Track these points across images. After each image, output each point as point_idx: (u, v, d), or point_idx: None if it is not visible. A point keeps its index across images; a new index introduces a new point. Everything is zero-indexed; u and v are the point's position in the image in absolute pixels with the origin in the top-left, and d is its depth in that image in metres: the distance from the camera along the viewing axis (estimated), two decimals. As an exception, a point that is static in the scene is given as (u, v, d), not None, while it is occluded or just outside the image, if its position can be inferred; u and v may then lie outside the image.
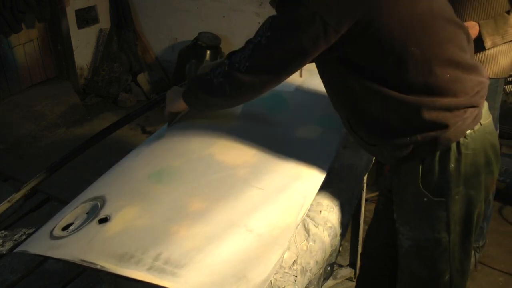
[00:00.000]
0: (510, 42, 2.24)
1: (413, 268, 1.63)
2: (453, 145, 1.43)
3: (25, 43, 4.44)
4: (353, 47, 1.37)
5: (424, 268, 1.61)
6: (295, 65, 1.43)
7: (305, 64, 1.43)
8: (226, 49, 4.63)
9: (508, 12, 2.16)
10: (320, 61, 1.48)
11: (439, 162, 1.45)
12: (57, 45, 4.69)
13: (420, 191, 1.49)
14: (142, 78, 5.00)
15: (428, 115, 1.39)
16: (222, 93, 1.51)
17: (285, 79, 1.46)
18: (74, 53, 4.80)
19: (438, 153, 1.44)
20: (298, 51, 1.37)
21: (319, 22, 1.31)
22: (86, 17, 4.84)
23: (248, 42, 1.44)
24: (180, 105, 1.70)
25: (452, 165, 1.44)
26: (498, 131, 2.39)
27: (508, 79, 3.35)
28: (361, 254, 2.02)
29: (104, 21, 5.01)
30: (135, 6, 5.02)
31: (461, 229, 1.54)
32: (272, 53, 1.40)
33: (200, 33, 4.51)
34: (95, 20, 4.93)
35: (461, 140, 1.42)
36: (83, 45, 4.90)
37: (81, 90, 4.94)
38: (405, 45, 1.35)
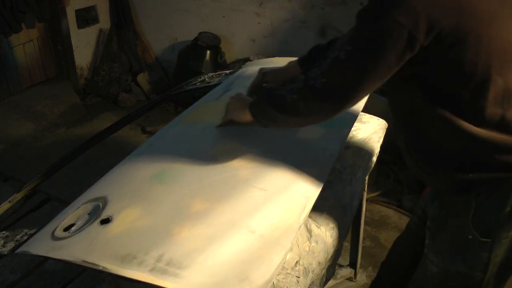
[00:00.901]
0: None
1: None
2: None
3: (25, 43, 4.44)
4: (434, 65, 1.26)
5: None
6: (375, 83, 1.28)
7: (384, 81, 1.29)
8: (226, 49, 4.63)
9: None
10: (392, 78, 1.32)
11: (496, 202, 1.36)
12: (57, 45, 4.68)
13: (467, 227, 1.40)
14: (142, 78, 4.99)
15: (500, 156, 1.30)
16: (294, 111, 1.37)
17: (362, 97, 1.33)
18: (74, 53, 4.80)
19: (497, 191, 1.36)
20: (380, 67, 1.24)
21: (406, 36, 1.19)
22: (86, 17, 4.84)
23: (325, 57, 1.30)
24: (245, 116, 1.56)
25: (508, 208, 1.36)
26: None
27: None
28: (382, 263, 1.97)
29: (104, 21, 5.01)
30: (135, 6, 5.02)
31: (498, 271, 1.46)
32: (351, 69, 1.26)
33: (200, 33, 4.51)
34: (95, 20, 4.93)
35: None
36: (83, 45, 4.90)
37: (81, 90, 4.93)
38: (489, 71, 1.25)
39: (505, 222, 1.37)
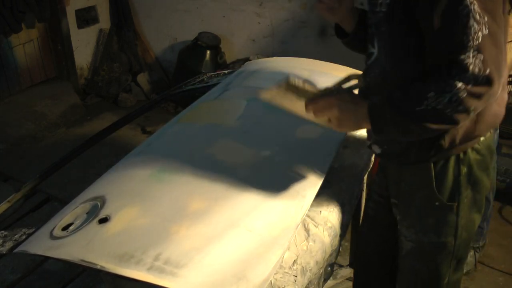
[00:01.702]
0: (510, 42, 2.24)
1: (414, 269, 1.62)
2: (469, 150, 1.42)
3: (25, 43, 4.44)
4: None
5: (426, 270, 1.60)
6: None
7: None
8: (226, 49, 4.63)
9: (508, 12, 2.16)
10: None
11: (454, 166, 1.43)
12: (57, 45, 4.68)
13: (433, 195, 1.46)
14: (142, 78, 5.00)
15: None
16: (462, 117, 1.27)
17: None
18: (74, 53, 4.80)
19: (453, 157, 1.43)
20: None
21: None
22: (86, 17, 4.84)
23: (467, 49, 1.21)
24: (359, 126, 1.43)
25: (465, 169, 1.43)
26: (498, 131, 2.39)
27: (509, 79, 3.35)
28: (354, 259, 2.01)
29: (104, 21, 5.01)
30: (135, 6, 5.02)
31: (466, 234, 1.53)
32: (498, 37, 1.23)
33: (200, 33, 4.51)
34: (95, 20, 4.93)
35: (475, 145, 1.42)
36: (83, 45, 4.90)
37: (81, 90, 4.93)
38: None
39: (464, 182, 1.45)
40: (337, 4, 1.51)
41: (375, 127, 1.34)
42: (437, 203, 1.47)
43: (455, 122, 1.27)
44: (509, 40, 2.23)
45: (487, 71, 1.21)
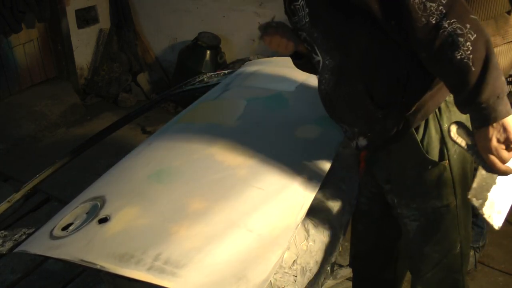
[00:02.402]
0: (510, 43, 2.24)
1: (424, 250, 1.60)
2: (442, 105, 1.42)
3: (25, 43, 4.44)
4: None
5: (435, 244, 1.57)
6: None
7: None
8: (226, 49, 4.63)
9: (508, 13, 2.16)
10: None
11: (434, 125, 1.43)
12: (57, 45, 4.68)
13: (424, 159, 1.45)
14: (142, 78, 5.00)
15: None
16: None
17: None
18: (74, 53, 4.80)
19: (431, 117, 1.42)
20: None
21: None
22: (86, 17, 4.84)
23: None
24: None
25: (445, 125, 1.42)
26: None
27: (508, 79, 3.35)
28: (352, 258, 2.00)
29: (104, 21, 5.01)
30: (135, 6, 5.02)
31: (462, 190, 1.51)
32: None
33: (200, 33, 4.51)
34: (95, 20, 4.93)
35: (447, 98, 1.41)
36: (83, 45, 4.90)
37: (81, 90, 4.93)
38: None
39: (448, 139, 1.40)
40: (284, 39, 1.67)
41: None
42: (430, 167, 1.45)
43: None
44: (509, 40, 2.24)
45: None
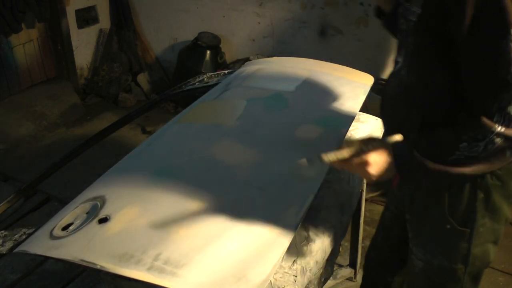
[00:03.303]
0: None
1: None
2: (487, 175, 1.34)
3: (25, 43, 4.44)
4: None
5: None
6: None
7: None
8: (226, 49, 4.63)
9: None
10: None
11: (469, 190, 1.36)
12: (57, 45, 4.68)
13: (445, 217, 1.40)
14: (142, 78, 5.00)
15: None
16: (502, 158, 1.26)
17: None
18: (74, 53, 4.80)
19: (469, 181, 1.36)
20: None
21: None
22: (86, 17, 4.84)
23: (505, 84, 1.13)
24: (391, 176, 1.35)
25: (481, 195, 1.36)
26: None
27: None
28: (364, 265, 1.98)
29: (104, 21, 5.01)
30: (135, 6, 5.02)
31: (479, 264, 1.47)
32: None
33: (200, 33, 4.51)
34: (95, 20, 4.93)
35: (496, 170, 1.34)
36: (83, 45, 4.90)
37: (81, 90, 4.94)
38: None
39: (480, 209, 1.37)
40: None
41: (405, 180, 1.33)
42: (448, 226, 1.41)
43: (494, 163, 1.22)
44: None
45: None
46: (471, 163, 1.25)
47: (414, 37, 1.34)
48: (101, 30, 5.02)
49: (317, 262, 1.45)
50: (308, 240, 1.46)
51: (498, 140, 1.17)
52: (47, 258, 1.39)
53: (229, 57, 4.66)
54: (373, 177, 1.30)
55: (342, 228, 1.64)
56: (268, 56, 4.15)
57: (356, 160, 1.30)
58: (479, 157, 1.21)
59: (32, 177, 2.08)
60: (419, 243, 1.52)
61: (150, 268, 1.17)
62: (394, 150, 1.29)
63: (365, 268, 1.99)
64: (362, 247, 2.74)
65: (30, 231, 1.64)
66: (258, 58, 4.17)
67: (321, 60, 2.41)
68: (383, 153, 1.30)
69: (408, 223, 1.57)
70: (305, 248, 1.43)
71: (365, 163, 1.29)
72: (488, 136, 1.17)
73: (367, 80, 2.22)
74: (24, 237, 1.66)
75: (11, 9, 4.03)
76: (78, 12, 4.74)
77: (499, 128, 1.15)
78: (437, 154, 1.25)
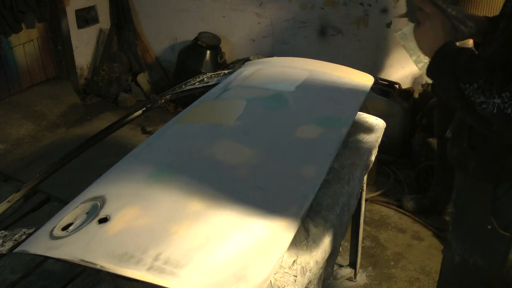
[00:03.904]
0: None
1: (456, 283, 1.56)
2: None
3: (25, 43, 4.44)
4: None
5: None
6: None
7: None
8: (226, 49, 4.63)
9: None
10: None
11: None
12: (57, 45, 4.68)
13: (487, 216, 1.37)
14: (142, 78, 5.00)
15: None
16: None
17: None
18: (74, 53, 4.80)
19: None
20: None
21: None
22: (86, 17, 4.84)
23: None
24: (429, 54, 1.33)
25: None
26: None
27: None
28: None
29: (104, 21, 5.01)
30: (135, 6, 5.02)
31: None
32: None
33: (200, 33, 4.51)
34: (95, 20, 4.93)
35: None
36: (83, 45, 4.90)
37: (81, 90, 4.94)
38: None
39: None
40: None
41: (430, 70, 1.28)
42: (489, 227, 1.37)
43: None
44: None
45: None
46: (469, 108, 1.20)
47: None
48: (101, 30, 5.02)
49: (317, 262, 1.45)
50: (308, 240, 1.46)
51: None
52: (47, 258, 1.38)
53: (229, 57, 4.67)
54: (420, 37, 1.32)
55: (342, 228, 1.64)
56: (268, 56, 4.15)
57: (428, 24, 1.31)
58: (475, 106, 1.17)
59: (32, 177, 2.08)
60: (458, 237, 1.49)
61: (150, 268, 1.17)
62: (450, 43, 1.28)
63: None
64: (362, 247, 2.75)
65: (30, 231, 1.64)
66: (258, 58, 4.17)
67: (321, 60, 2.41)
68: (443, 30, 1.30)
69: (449, 214, 1.55)
70: (305, 248, 1.43)
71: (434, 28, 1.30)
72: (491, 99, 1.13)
73: (367, 80, 2.22)
74: (24, 237, 1.65)
75: (11, 9, 4.03)
76: (78, 12, 4.74)
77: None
78: (459, 71, 1.21)
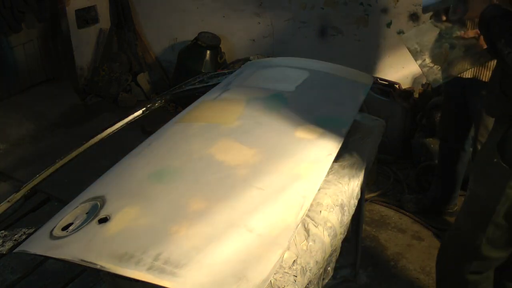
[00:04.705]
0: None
1: (463, 214, 1.79)
2: None
3: (25, 43, 4.44)
4: None
5: (467, 224, 1.75)
6: None
7: None
8: (226, 49, 4.63)
9: None
10: None
11: None
12: (57, 45, 4.69)
13: (494, 150, 1.58)
14: (142, 78, 5.00)
15: None
16: None
17: None
18: (74, 53, 4.80)
19: None
20: None
21: None
22: (86, 17, 4.84)
23: None
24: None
25: None
26: None
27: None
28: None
29: (104, 21, 5.01)
30: (135, 6, 5.02)
31: (508, 209, 1.59)
32: None
33: (200, 33, 4.51)
34: (95, 20, 4.93)
35: None
36: (83, 45, 4.90)
37: (81, 90, 4.94)
38: None
39: None
40: None
41: (479, 26, 1.57)
42: (495, 160, 1.58)
43: None
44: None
45: None
46: None
47: None
48: (101, 30, 5.02)
49: (317, 262, 1.44)
50: (308, 240, 1.46)
51: None
52: (47, 258, 1.38)
53: (229, 57, 4.66)
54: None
55: (342, 228, 1.64)
56: (268, 56, 4.15)
57: None
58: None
59: (32, 177, 2.07)
60: (471, 170, 1.74)
61: (150, 268, 1.17)
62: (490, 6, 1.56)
63: None
64: (363, 247, 2.74)
65: (30, 231, 1.64)
66: (258, 58, 4.17)
67: (321, 60, 2.41)
68: None
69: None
70: (305, 248, 1.43)
71: None
72: None
73: (367, 80, 2.22)
74: (24, 237, 1.65)
75: (11, 9, 4.03)
76: (78, 12, 4.74)
77: None
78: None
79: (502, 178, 1.57)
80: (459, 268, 1.84)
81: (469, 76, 2.46)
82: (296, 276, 1.35)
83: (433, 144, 3.33)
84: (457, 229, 1.86)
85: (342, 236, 1.67)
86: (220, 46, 4.57)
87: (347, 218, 1.70)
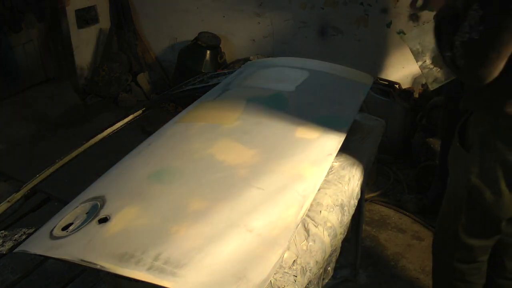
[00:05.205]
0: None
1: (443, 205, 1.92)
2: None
3: (25, 43, 4.44)
4: None
5: (446, 209, 1.90)
6: None
7: None
8: (226, 49, 4.63)
9: None
10: None
11: (474, 121, 1.67)
12: (57, 45, 4.68)
13: (456, 135, 1.75)
14: (142, 78, 5.00)
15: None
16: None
17: None
18: (74, 53, 4.80)
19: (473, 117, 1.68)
20: None
21: None
22: (86, 17, 4.84)
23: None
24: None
25: (479, 129, 1.64)
26: None
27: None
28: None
29: (104, 21, 5.01)
30: (135, 6, 5.02)
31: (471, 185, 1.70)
32: None
33: (200, 33, 4.51)
34: (95, 20, 4.93)
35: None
36: (83, 45, 4.90)
37: (81, 90, 4.93)
38: None
39: (479, 140, 1.64)
40: None
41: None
42: (457, 144, 1.73)
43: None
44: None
45: None
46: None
47: None
48: (101, 30, 5.02)
49: (317, 262, 1.45)
50: (308, 240, 1.46)
51: None
52: (47, 258, 1.38)
53: (229, 57, 4.66)
54: None
55: (342, 228, 1.64)
56: (268, 56, 4.15)
57: None
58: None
59: (32, 177, 2.07)
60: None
61: (150, 268, 1.17)
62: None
63: None
64: (363, 247, 2.74)
65: (30, 231, 1.64)
66: (258, 58, 4.17)
67: (321, 60, 2.41)
68: None
69: None
70: (305, 248, 1.43)
71: None
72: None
73: (367, 80, 2.22)
74: (24, 237, 1.65)
75: (11, 9, 4.03)
76: (78, 12, 4.74)
77: None
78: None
79: (465, 164, 1.69)
80: (446, 254, 1.93)
81: None
82: (296, 276, 1.35)
83: (433, 144, 3.33)
84: (441, 216, 1.95)
85: (342, 236, 1.67)
86: (220, 46, 4.57)
87: (347, 218, 1.70)
